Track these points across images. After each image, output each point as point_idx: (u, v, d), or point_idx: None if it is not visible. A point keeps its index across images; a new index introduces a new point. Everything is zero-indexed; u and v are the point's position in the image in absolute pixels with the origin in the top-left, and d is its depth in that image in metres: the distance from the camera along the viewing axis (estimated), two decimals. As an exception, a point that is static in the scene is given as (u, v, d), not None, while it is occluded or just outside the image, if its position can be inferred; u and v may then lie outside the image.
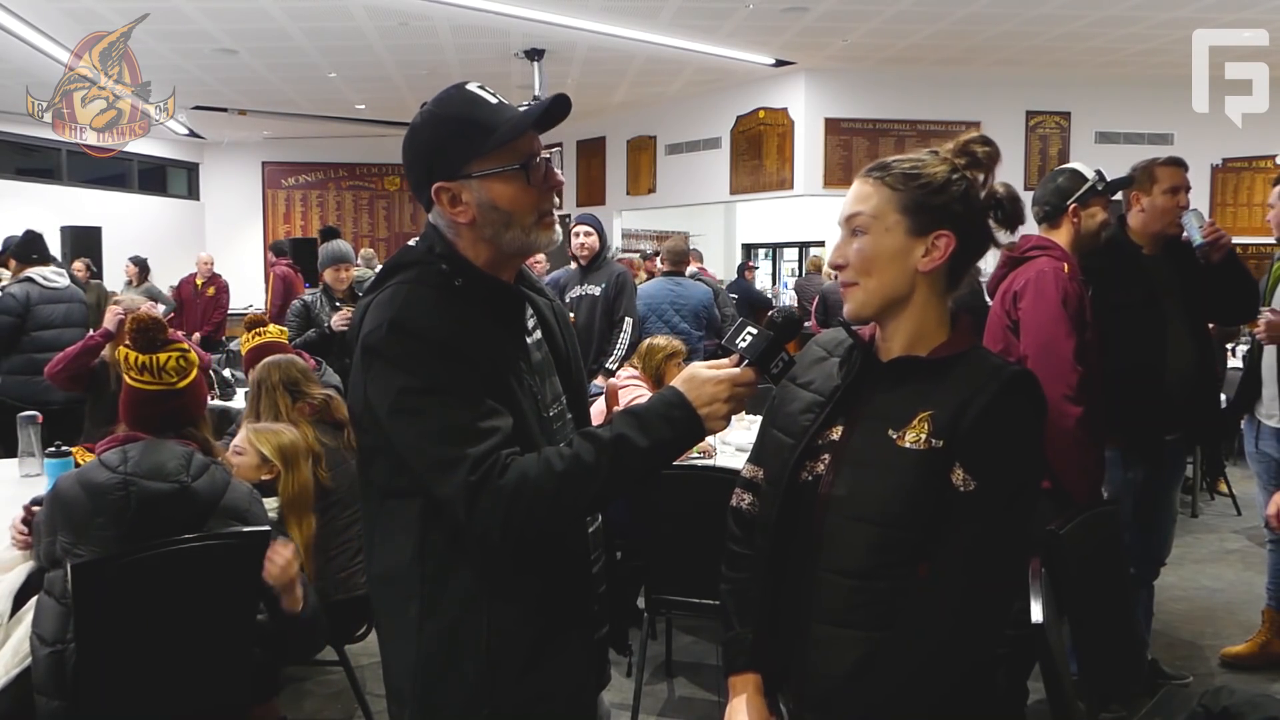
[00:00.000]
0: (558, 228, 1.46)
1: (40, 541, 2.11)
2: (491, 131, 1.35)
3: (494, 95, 1.40)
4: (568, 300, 5.13)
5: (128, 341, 2.25)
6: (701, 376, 1.33)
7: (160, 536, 2.04)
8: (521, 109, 1.40)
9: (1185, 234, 2.96)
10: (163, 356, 2.22)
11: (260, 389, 2.90)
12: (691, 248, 9.59)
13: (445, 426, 1.29)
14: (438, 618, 1.37)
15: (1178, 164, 2.98)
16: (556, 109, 1.38)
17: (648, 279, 6.65)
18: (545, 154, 1.42)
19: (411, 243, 1.48)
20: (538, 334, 1.52)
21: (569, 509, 1.31)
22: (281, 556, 2.16)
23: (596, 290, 5.06)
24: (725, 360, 1.36)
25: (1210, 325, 3.20)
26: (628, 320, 5.02)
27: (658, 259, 6.94)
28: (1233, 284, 3.03)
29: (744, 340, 1.35)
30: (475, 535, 1.30)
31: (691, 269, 7.14)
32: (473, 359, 1.32)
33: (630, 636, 3.61)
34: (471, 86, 1.40)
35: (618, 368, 4.98)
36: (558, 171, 1.44)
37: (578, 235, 5.13)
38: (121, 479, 2.01)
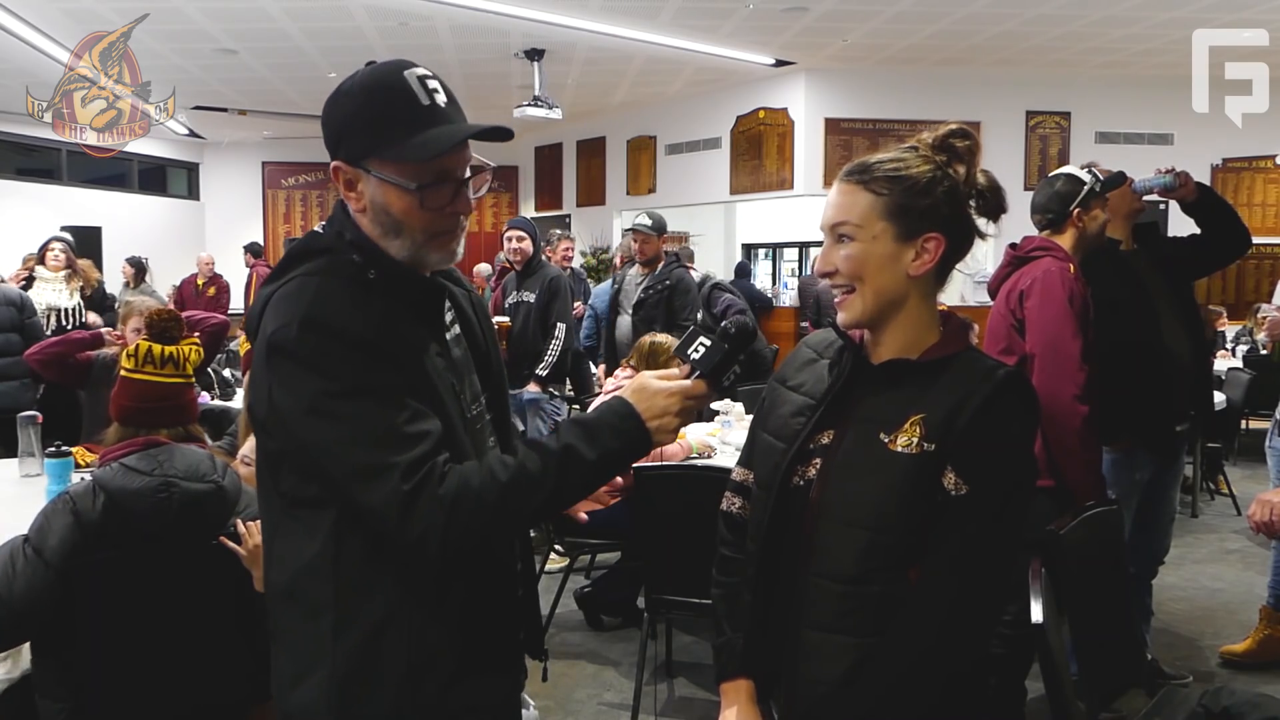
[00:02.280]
0: (457, 247, 1.33)
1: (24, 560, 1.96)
2: (401, 140, 1.24)
3: (432, 92, 1.27)
4: (506, 306, 5.03)
5: (146, 336, 2.25)
6: (652, 388, 1.28)
7: (192, 537, 2.04)
8: (450, 126, 1.27)
9: (1154, 191, 2.99)
10: (185, 348, 2.25)
11: None
12: (686, 248, 9.60)
13: (368, 432, 1.19)
14: (354, 633, 1.27)
15: (1093, 163, 3.03)
16: (485, 138, 1.28)
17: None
18: (481, 170, 1.31)
19: (318, 227, 1.36)
20: (456, 329, 1.42)
21: (512, 520, 1.24)
22: (258, 533, 2.13)
23: (531, 297, 4.93)
24: (675, 371, 1.32)
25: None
26: (560, 326, 4.89)
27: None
28: (1216, 216, 3.07)
29: (696, 352, 1.31)
30: (409, 544, 1.20)
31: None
32: (395, 358, 1.23)
33: (630, 637, 3.62)
34: (411, 75, 1.27)
35: (548, 374, 4.86)
36: (472, 196, 1.32)
37: (510, 241, 5.01)
38: (162, 480, 1.99)
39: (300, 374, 1.22)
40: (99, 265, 9.63)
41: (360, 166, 1.28)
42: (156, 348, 2.21)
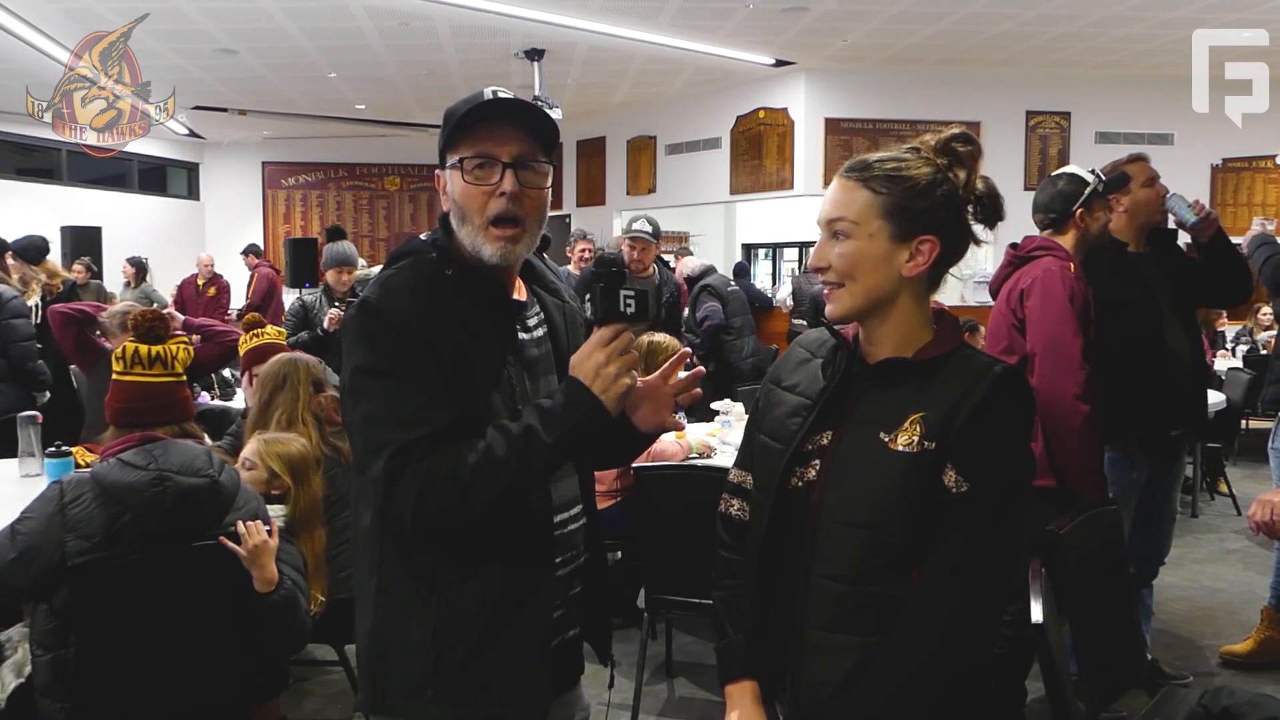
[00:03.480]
0: (512, 247, 1.40)
1: (18, 543, 1.99)
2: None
3: (495, 91, 1.39)
4: None
5: (133, 337, 2.27)
6: (580, 355, 1.35)
7: (188, 532, 2.05)
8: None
9: (1175, 216, 2.99)
10: (173, 346, 2.27)
11: (285, 383, 2.80)
12: (685, 248, 9.57)
13: (384, 410, 1.31)
14: (391, 595, 1.41)
15: (1143, 158, 3.03)
16: (488, 107, 1.37)
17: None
18: (527, 164, 1.39)
19: (424, 236, 1.50)
20: (540, 332, 1.51)
21: (480, 498, 1.30)
22: (257, 534, 2.13)
23: None
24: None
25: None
26: None
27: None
28: (1224, 261, 3.05)
29: (589, 306, 1.37)
30: (392, 518, 1.33)
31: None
32: (433, 346, 1.32)
33: (629, 637, 3.61)
34: (489, 88, 1.41)
35: None
36: (516, 182, 1.37)
37: None
38: (156, 475, 2.00)
39: (350, 348, 1.36)
40: (99, 265, 9.66)
41: (443, 166, 1.44)
42: (144, 348, 2.22)
